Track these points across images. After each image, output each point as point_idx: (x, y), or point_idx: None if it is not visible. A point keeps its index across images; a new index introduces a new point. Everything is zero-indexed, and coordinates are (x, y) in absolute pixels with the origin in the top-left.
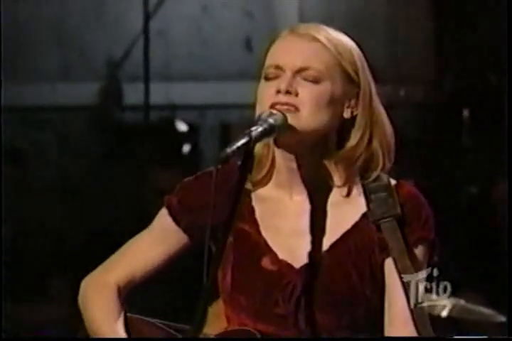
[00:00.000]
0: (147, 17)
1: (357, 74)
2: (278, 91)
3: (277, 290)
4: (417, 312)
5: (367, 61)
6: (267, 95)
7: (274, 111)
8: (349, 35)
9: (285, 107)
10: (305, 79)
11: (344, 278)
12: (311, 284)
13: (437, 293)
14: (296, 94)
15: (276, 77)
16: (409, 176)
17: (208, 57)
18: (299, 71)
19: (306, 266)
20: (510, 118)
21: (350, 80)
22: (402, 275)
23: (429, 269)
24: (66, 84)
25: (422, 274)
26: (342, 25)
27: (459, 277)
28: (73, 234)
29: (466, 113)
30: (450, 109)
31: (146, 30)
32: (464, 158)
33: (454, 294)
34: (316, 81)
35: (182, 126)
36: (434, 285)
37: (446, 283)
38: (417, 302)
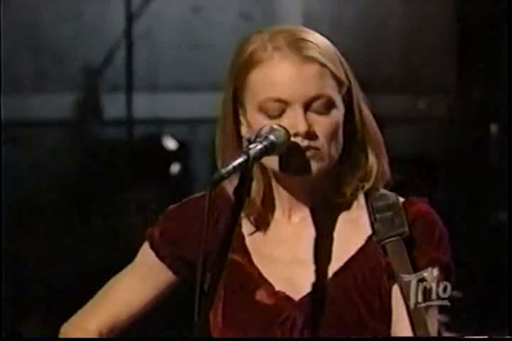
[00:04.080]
0: (130, 19)
1: (348, 79)
2: (296, 135)
3: (275, 326)
4: (416, 313)
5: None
6: None
7: (276, 127)
8: (360, 41)
9: (308, 152)
10: (316, 112)
11: (350, 310)
12: (313, 318)
13: (437, 293)
14: (315, 134)
15: (280, 113)
16: (428, 199)
17: (200, 65)
18: (308, 103)
19: (306, 297)
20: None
21: (344, 88)
22: (403, 275)
23: (430, 269)
24: (39, 96)
25: (422, 274)
26: (352, 29)
27: (484, 309)
28: (47, 265)
29: (493, 128)
30: (476, 124)
31: (128, 33)
32: (491, 179)
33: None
34: (326, 111)
35: (170, 143)
36: (434, 285)
37: (446, 283)
38: (416, 302)
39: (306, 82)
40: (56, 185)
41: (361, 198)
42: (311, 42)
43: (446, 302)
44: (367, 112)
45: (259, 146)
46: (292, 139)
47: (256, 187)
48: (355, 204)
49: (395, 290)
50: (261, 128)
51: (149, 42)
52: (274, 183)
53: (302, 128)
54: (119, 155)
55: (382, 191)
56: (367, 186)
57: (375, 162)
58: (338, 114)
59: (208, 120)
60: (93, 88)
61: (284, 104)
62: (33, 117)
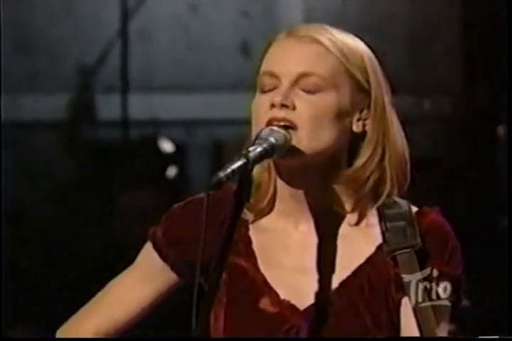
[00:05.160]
0: (125, 17)
1: (368, 81)
2: (272, 105)
3: (279, 336)
4: (417, 313)
5: (382, 67)
6: (261, 110)
7: (276, 128)
8: (362, 39)
9: (282, 124)
10: (304, 90)
11: (356, 321)
12: (317, 328)
13: (437, 293)
14: (294, 108)
15: (272, 88)
16: (432, 203)
17: (197, 65)
18: (297, 79)
19: (311, 307)
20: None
21: (360, 88)
22: (403, 275)
23: (429, 269)
24: (31, 97)
25: (422, 274)
26: (355, 28)
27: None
28: (40, 270)
29: (501, 130)
30: (482, 125)
31: (124, 32)
32: (498, 183)
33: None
34: (317, 90)
35: (166, 146)
36: (434, 285)
37: (446, 283)
38: (417, 302)
39: (300, 58)
40: (49, 187)
41: (370, 204)
42: (330, 32)
43: (446, 302)
44: (393, 123)
45: (259, 149)
46: (270, 111)
47: (262, 191)
48: (364, 210)
49: (405, 302)
50: (260, 130)
51: (145, 41)
52: (278, 186)
53: (278, 98)
54: (113, 157)
55: (394, 198)
56: (378, 203)
57: (389, 175)
58: (330, 98)
59: (205, 121)
60: (87, 88)
61: (276, 79)
62: (24, 118)
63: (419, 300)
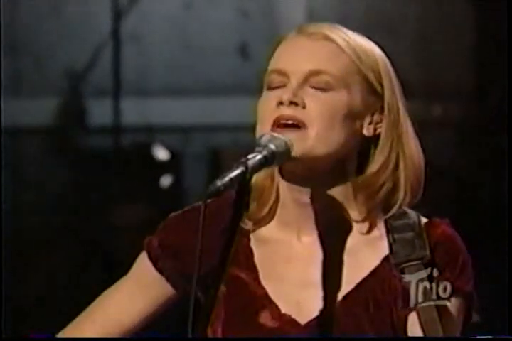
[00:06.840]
0: (118, 17)
1: (381, 84)
2: (280, 103)
3: None
4: (417, 313)
5: (395, 71)
6: (268, 109)
7: (276, 135)
8: (371, 40)
9: (290, 122)
10: (314, 88)
11: (359, 337)
12: None
13: (437, 293)
14: (304, 106)
15: (280, 86)
16: (441, 214)
17: (194, 67)
18: (307, 77)
19: (313, 321)
20: None
21: (373, 91)
22: (403, 276)
23: (429, 269)
24: (17, 101)
25: (423, 274)
26: (360, 29)
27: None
28: (29, 285)
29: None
30: (493, 131)
31: (115, 33)
32: (507, 190)
33: None
34: (327, 89)
35: (161, 153)
36: (434, 285)
37: (446, 283)
38: (417, 303)
39: (310, 56)
40: (37, 197)
41: (379, 213)
42: (343, 31)
43: (446, 302)
44: (407, 129)
45: (259, 156)
46: (277, 109)
47: (264, 198)
48: (372, 220)
49: (412, 318)
50: (260, 137)
51: (138, 42)
52: (281, 193)
53: (286, 95)
54: (105, 165)
55: (404, 208)
56: (389, 213)
57: (402, 184)
58: (340, 97)
59: (202, 127)
60: (77, 93)
61: (284, 77)
62: (11, 124)
63: (419, 300)
